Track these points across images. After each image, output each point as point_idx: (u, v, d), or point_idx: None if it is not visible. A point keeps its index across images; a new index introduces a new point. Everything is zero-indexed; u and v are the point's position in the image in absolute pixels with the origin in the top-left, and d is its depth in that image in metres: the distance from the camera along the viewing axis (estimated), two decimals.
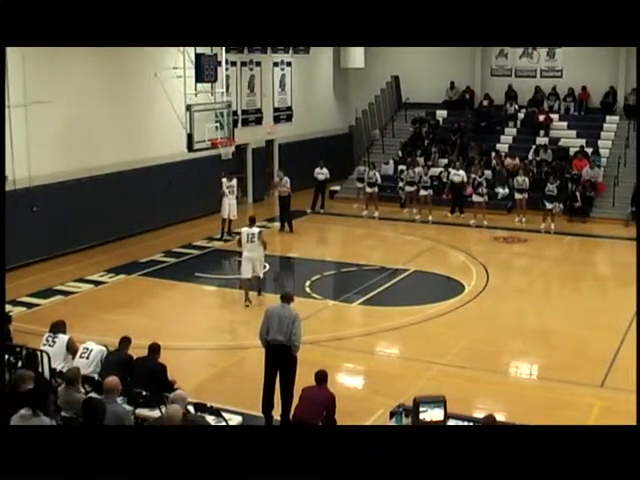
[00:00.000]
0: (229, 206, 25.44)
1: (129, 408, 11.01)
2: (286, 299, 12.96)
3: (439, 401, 10.06)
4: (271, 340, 12.59)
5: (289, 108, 33.56)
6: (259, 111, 31.80)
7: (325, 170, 29.95)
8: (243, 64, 30.59)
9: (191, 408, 10.71)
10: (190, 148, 23.90)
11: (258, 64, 31.41)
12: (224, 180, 25.54)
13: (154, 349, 12.20)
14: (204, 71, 23.74)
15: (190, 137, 23.60)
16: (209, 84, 24.76)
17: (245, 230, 19.40)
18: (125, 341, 12.49)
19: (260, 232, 19.48)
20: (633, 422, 12.03)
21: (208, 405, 11.18)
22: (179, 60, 23.72)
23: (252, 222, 19.68)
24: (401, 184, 30.53)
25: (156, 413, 10.88)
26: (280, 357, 12.61)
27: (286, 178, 27.08)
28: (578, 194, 29.07)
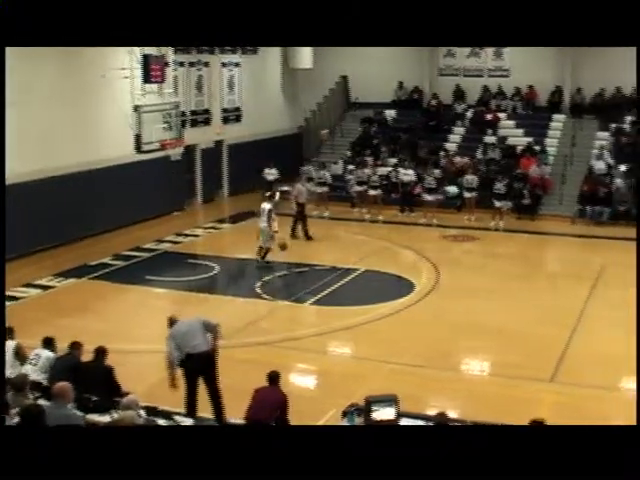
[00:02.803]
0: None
1: (80, 414, 10.87)
2: (174, 321, 13.05)
3: (390, 400, 10.07)
4: (192, 350, 12.50)
5: (238, 109, 33.44)
6: (207, 112, 31.65)
7: (275, 170, 29.92)
8: (191, 65, 30.42)
9: (142, 412, 10.62)
10: (139, 149, 23.73)
11: (206, 65, 31.25)
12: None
13: (101, 352, 12.10)
14: (152, 72, 23.58)
15: (138, 138, 23.43)
16: (157, 85, 24.60)
17: (262, 205, 22.65)
18: (75, 346, 12.35)
19: (270, 210, 22.30)
20: (586, 417, 12.20)
21: (159, 408, 11.10)
22: (127, 61, 23.54)
23: (267, 198, 23.20)
24: (354, 184, 30.45)
25: (106, 418, 10.77)
26: (205, 363, 12.61)
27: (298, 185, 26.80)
28: (526, 192, 29.34)
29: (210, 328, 12.81)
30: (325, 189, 29.72)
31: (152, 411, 10.92)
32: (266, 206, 22.34)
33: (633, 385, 15.47)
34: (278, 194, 25.60)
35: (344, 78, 36.76)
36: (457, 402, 14.40)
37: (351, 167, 31.69)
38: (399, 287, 20.97)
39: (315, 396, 14.79)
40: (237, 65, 33.11)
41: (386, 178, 31.00)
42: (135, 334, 17.42)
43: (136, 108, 23.21)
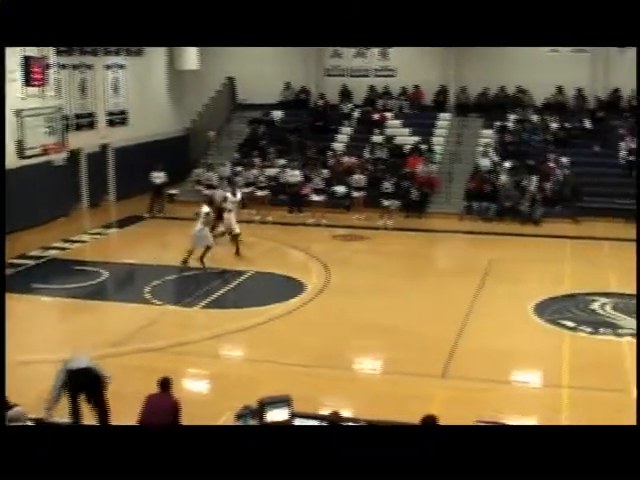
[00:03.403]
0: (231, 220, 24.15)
1: None
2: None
3: (284, 401, 10.04)
4: (76, 367, 12.30)
5: (123, 111, 32.93)
6: (92, 115, 31.07)
7: (162, 173, 29.60)
8: (74, 67, 29.81)
9: (30, 424, 10.34)
10: (21, 155, 23.16)
11: (89, 67, 30.67)
12: (229, 195, 24.81)
13: None
14: (33, 74, 23.05)
15: (20, 143, 22.88)
16: (39, 88, 24.06)
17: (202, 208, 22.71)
18: None
19: (207, 212, 22.47)
20: (477, 411, 12.34)
21: (48, 420, 10.84)
22: (7, 62, 22.91)
23: (206, 203, 23.10)
24: (242, 185, 30.36)
25: None
26: (86, 379, 12.38)
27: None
28: (414, 191, 29.68)
29: (99, 372, 12.50)
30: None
31: (40, 423, 10.64)
32: (202, 210, 22.52)
33: (522, 378, 15.85)
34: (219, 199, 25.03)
35: (231, 79, 36.59)
36: (350, 401, 14.45)
37: (239, 168, 31.59)
38: (290, 288, 20.95)
39: (209, 400, 14.66)
40: (122, 67, 32.61)
41: (274, 179, 31.01)
42: (22, 344, 16.92)
43: (17, 112, 22.66)
